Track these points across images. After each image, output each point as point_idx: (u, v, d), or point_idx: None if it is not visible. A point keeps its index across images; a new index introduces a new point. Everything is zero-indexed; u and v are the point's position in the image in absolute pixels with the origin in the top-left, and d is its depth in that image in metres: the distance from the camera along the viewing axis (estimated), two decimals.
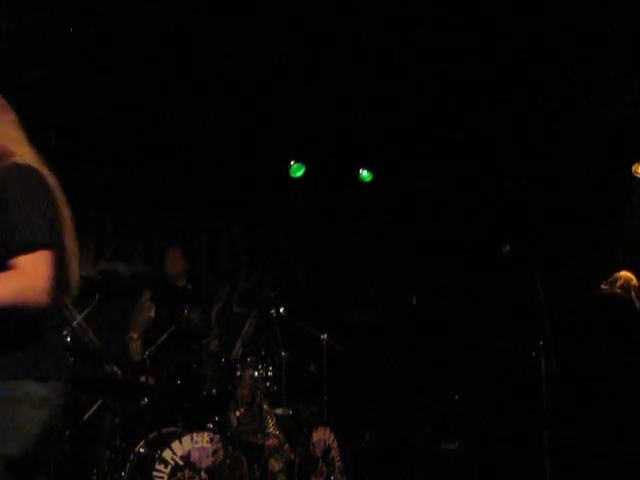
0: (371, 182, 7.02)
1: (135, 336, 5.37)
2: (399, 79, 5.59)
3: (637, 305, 5.06)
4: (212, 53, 5.16)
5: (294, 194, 7.10)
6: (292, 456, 4.90)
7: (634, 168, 5.67)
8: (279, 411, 5.00)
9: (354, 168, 6.98)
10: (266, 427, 4.82)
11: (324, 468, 5.06)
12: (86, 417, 4.96)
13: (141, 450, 4.44)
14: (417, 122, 6.16)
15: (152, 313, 5.36)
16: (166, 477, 4.29)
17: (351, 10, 4.87)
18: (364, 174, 6.99)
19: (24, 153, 2.35)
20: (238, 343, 6.61)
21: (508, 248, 4.63)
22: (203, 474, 4.41)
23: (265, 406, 4.83)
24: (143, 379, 4.73)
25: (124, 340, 5.46)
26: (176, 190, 6.64)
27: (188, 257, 5.73)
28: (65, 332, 4.58)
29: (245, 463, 4.57)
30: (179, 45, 5.09)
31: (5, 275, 2.15)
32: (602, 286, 5.12)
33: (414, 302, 6.89)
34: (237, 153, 6.43)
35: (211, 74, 5.40)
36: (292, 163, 6.61)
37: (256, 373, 4.89)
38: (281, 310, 5.27)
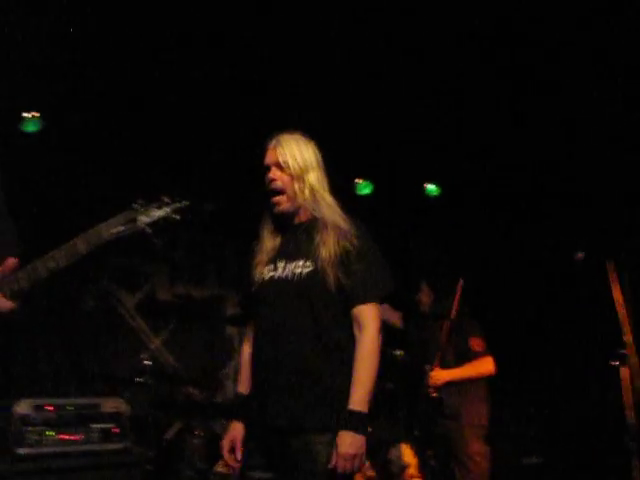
0: (438, 196, 6.98)
1: None
2: (465, 92, 5.57)
3: None
4: (277, 65, 5.23)
5: (361, 211, 7.10)
6: (372, 474, 4.87)
7: None
8: None
9: (420, 183, 6.96)
10: None
11: None
12: (167, 438, 5.05)
13: (220, 470, 4.48)
14: (483, 134, 6.11)
15: None
16: None
17: (414, 24, 4.90)
18: (431, 188, 6.95)
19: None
20: None
21: (582, 256, 4.54)
22: None
23: None
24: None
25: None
26: (245, 213, 6.71)
27: None
28: (143, 356, 4.69)
29: None
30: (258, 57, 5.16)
31: None
32: None
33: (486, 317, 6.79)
34: None
35: (277, 92, 5.46)
36: (358, 181, 6.62)
37: None
38: None
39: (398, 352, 5.28)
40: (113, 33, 4.84)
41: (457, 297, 5.13)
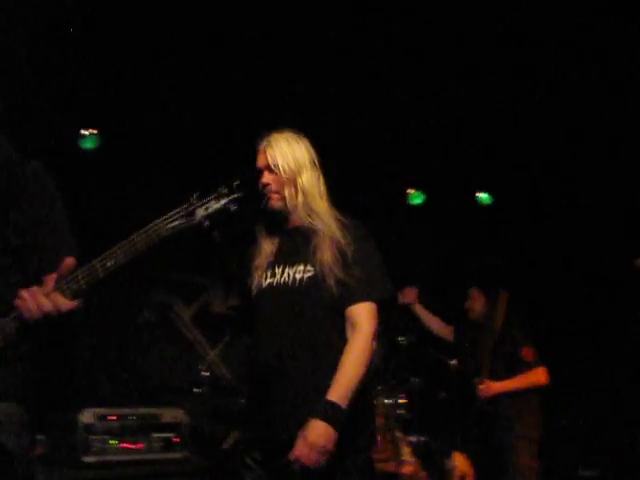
0: (490, 205, 6.93)
1: None
2: (518, 101, 5.54)
3: None
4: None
5: (412, 221, 7.10)
6: None
7: None
8: (413, 438, 4.97)
9: (472, 191, 6.92)
10: (401, 454, 4.79)
11: None
12: (224, 448, 5.10)
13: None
14: (535, 141, 6.07)
15: None
16: None
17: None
18: (483, 197, 6.91)
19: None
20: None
21: None
22: None
23: (399, 434, 4.81)
24: None
25: None
26: None
27: None
28: (200, 367, 4.76)
29: None
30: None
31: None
32: None
33: (542, 327, 6.71)
34: (353, 183, 6.51)
35: (330, 100, 5.51)
36: (410, 191, 6.63)
37: (387, 401, 4.90)
38: (409, 337, 5.26)
39: (453, 362, 5.26)
40: (165, 47, 4.95)
41: (501, 309, 5.09)
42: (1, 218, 1.91)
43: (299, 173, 2.63)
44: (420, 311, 5.43)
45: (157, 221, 1.80)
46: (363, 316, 2.52)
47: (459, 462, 5.04)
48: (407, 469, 4.80)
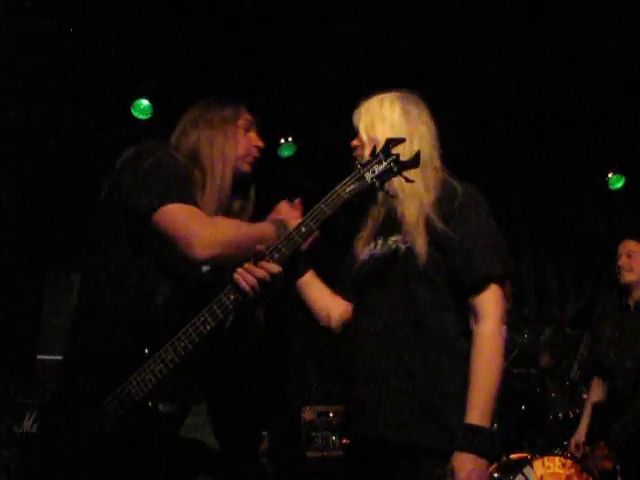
0: None
1: None
2: None
3: None
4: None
5: (611, 207, 6.82)
6: None
7: None
8: None
9: None
10: None
11: None
12: None
13: (494, 475, 4.47)
14: None
15: None
16: None
17: None
18: None
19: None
20: (575, 365, 6.43)
21: None
22: None
23: None
24: None
25: None
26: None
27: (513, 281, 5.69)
28: None
29: None
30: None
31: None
32: None
33: None
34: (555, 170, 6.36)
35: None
36: (610, 175, 6.39)
37: None
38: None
39: None
40: None
41: None
42: None
43: (384, 136, 2.16)
44: None
45: (336, 188, 2.02)
46: (487, 304, 2.07)
47: None
48: None
